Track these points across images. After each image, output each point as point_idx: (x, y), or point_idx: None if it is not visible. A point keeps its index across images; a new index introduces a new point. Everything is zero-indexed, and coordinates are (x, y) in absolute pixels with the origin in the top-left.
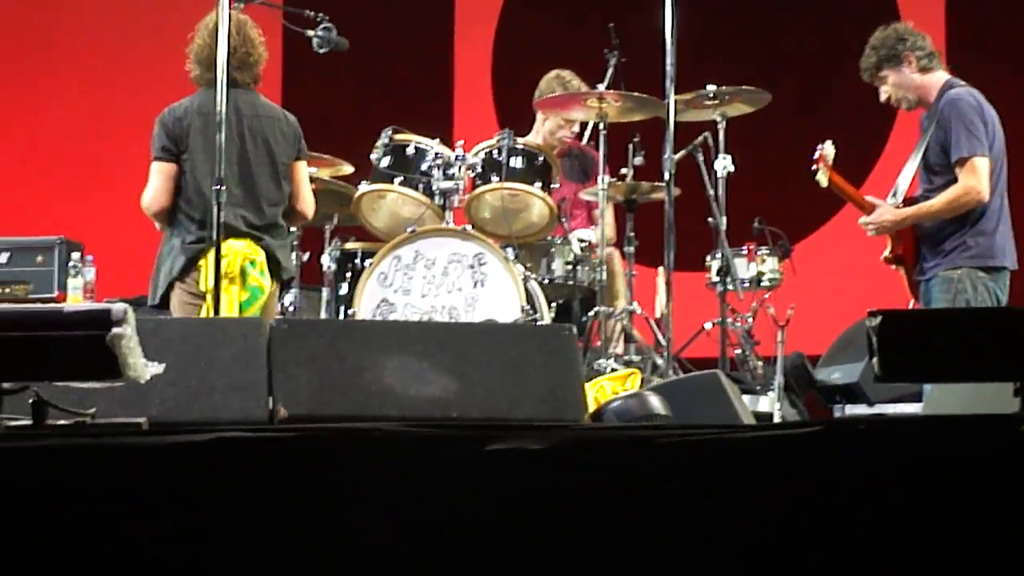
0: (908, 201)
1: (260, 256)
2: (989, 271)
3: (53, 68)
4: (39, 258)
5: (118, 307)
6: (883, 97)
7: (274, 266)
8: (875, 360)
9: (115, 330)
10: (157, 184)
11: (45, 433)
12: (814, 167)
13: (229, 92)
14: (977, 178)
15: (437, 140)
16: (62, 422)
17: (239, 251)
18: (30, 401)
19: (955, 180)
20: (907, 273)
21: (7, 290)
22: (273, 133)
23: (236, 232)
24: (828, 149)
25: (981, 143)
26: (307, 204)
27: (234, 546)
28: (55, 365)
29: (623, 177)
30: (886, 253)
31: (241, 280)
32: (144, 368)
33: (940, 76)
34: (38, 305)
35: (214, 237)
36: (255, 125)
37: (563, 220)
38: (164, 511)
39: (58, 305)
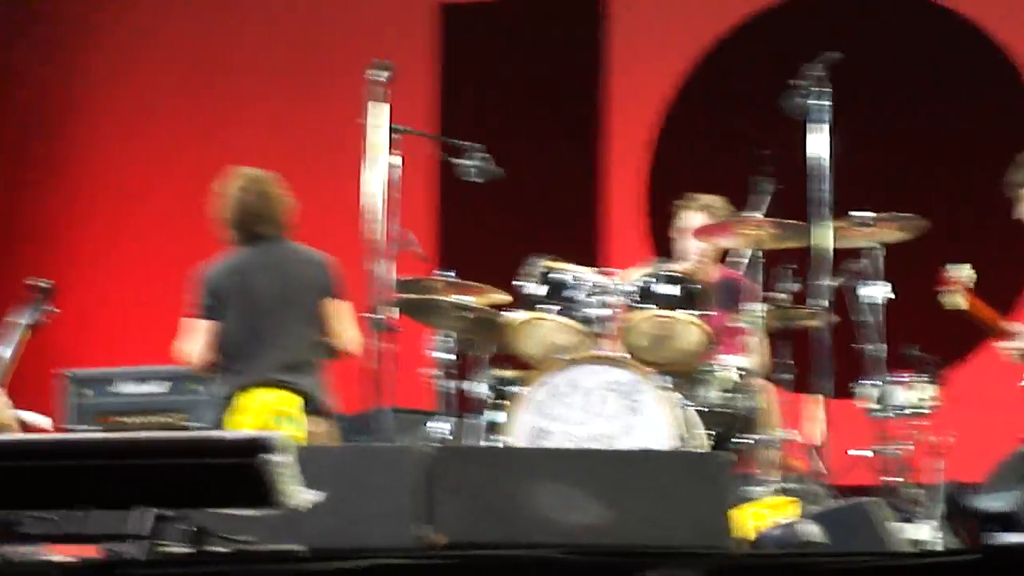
0: None
1: (295, 404)
2: None
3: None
4: (198, 388)
5: (277, 435)
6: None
7: (313, 406)
8: None
9: (272, 457)
10: (202, 341)
11: (206, 560)
12: (942, 289)
13: (258, 246)
14: None
15: (591, 268)
16: (221, 549)
17: (268, 404)
18: (188, 528)
19: None
20: None
21: (166, 419)
22: (303, 277)
23: (266, 382)
24: (966, 272)
25: None
26: (347, 341)
27: None
28: (213, 492)
29: (777, 304)
30: None
31: None
32: (301, 495)
33: None
34: (198, 432)
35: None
36: (286, 272)
37: (717, 347)
38: None
39: (218, 432)
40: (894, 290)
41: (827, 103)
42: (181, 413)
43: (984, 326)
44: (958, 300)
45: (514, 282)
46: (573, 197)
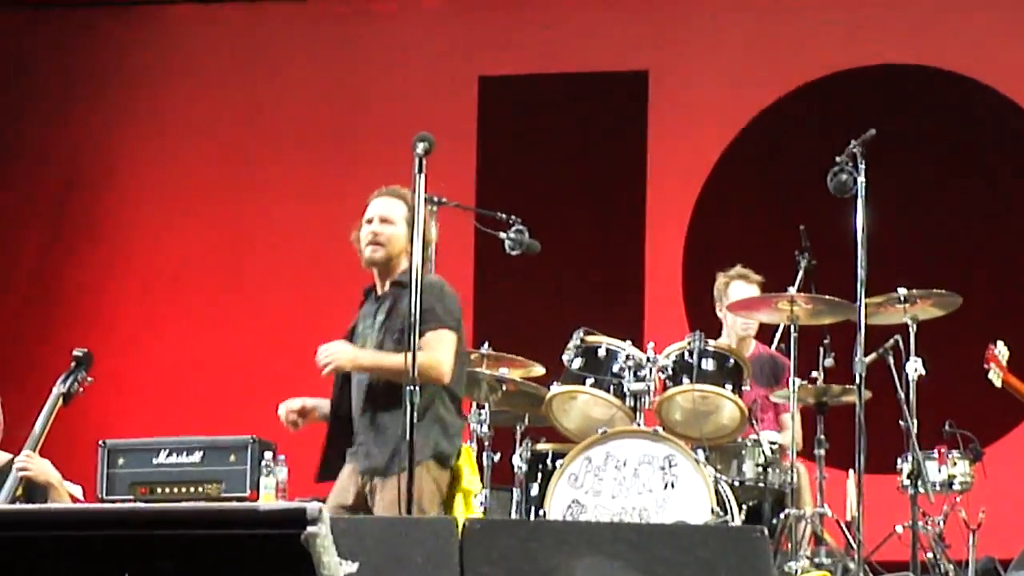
0: None
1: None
2: None
3: (245, 276)
4: (232, 457)
5: (313, 506)
6: None
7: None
8: None
9: (310, 528)
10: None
11: None
12: (986, 366)
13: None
14: None
15: (628, 342)
16: None
17: (468, 451)
18: None
19: None
20: None
21: (200, 489)
22: None
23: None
24: (1001, 349)
25: None
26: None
27: None
28: (249, 564)
29: (814, 380)
30: None
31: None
32: (339, 567)
33: None
34: (233, 503)
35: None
36: None
37: (754, 423)
38: None
39: (253, 504)
40: (925, 366)
41: (863, 180)
42: (216, 483)
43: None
44: (992, 377)
45: (560, 356)
46: (614, 271)
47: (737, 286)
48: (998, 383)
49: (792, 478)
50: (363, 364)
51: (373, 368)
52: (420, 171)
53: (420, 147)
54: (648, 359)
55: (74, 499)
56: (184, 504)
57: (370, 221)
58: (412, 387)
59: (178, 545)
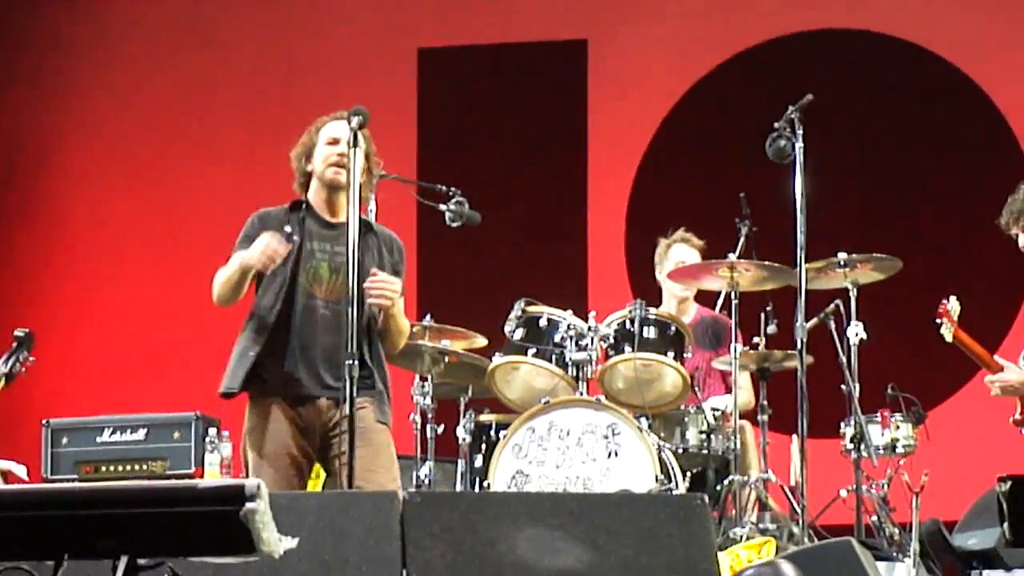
0: None
1: None
2: None
3: (188, 252)
4: (176, 434)
5: (251, 482)
6: (1022, 243)
7: None
8: (1005, 525)
9: (249, 505)
10: None
11: None
12: (938, 320)
13: None
14: None
15: (570, 311)
16: None
17: None
18: None
19: None
20: None
21: (145, 466)
22: None
23: None
24: (953, 304)
25: None
26: None
27: None
28: (190, 540)
29: (755, 346)
30: (1015, 415)
31: None
32: (278, 543)
33: None
34: (172, 481)
35: None
36: None
37: (696, 389)
38: None
39: (192, 481)
40: (866, 330)
41: (801, 145)
42: (160, 460)
43: (973, 358)
44: (944, 332)
45: (503, 327)
46: (556, 241)
47: (678, 248)
48: (949, 337)
49: (735, 444)
50: (396, 314)
51: (396, 315)
52: (355, 145)
53: (355, 121)
54: (590, 328)
55: (16, 479)
56: (124, 483)
57: (335, 142)
58: (351, 361)
59: (118, 524)
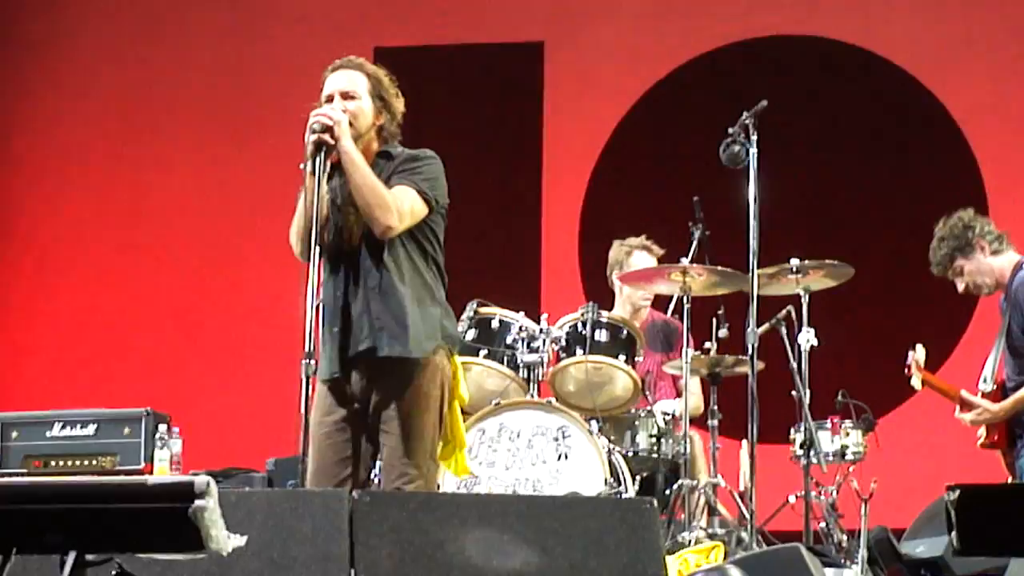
0: (999, 386)
1: None
2: None
3: (140, 248)
4: (126, 430)
5: (200, 479)
6: (960, 288)
7: None
8: (953, 534)
9: (198, 502)
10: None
11: None
12: (907, 372)
13: None
14: None
15: (522, 313)
16: None
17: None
18: (113, 573)
19: None
20: (1003, 455)
21: (94, 462)
22: None
23: None
24: (920, 353)
25: None
26: None
27: None
28: (139, 537)
29: (707, 350)
30: (981, 440)
31: None
32: (227, 540)
33: (1011, 257)
34: (122, 477)
35: None
36: None
37: (647, 393)
38: None
39: (142, 477)
40: (818, 336)
41: (755, 151)
42: (110, 456)
43: (941, 394)
44: (914, 382)
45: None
46: (510, 243)
47: (640, 256)
48: (918, 386)
49: (685, 448)
50: (349, 151)
51: (358, 162)
52: (313, 172)
53: (313, 139)
54: (541, 330)
55: None
56: (73, 478)
57: (330, 99)
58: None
59: (67, 519)
